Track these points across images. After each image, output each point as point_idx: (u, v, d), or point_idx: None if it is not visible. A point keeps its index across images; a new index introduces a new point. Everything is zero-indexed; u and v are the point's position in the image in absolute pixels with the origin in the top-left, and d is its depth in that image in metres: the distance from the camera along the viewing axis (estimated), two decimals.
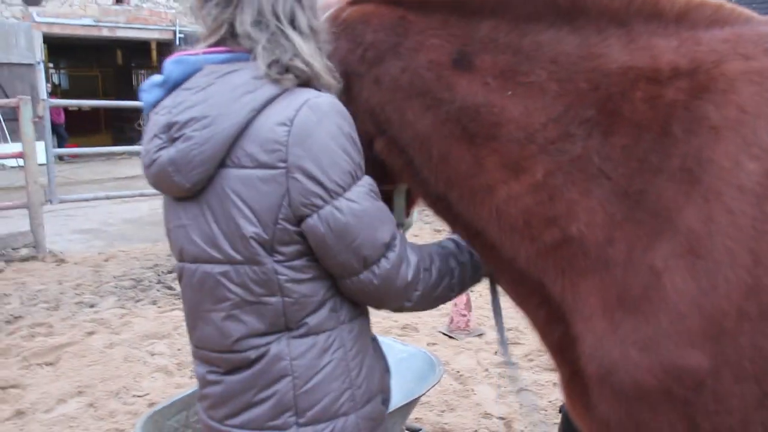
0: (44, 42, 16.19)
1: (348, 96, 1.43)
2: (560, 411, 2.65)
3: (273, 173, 1.27)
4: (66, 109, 17.02)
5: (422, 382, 2.69)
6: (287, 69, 1.29)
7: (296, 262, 1.33)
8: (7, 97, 13.19)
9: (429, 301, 1.47)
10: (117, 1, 17.33)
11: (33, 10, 15.89)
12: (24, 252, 6.71)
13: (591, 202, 1.26)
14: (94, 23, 16.89)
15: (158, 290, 5.74)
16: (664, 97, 1.24)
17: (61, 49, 20.10)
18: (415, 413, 3.45)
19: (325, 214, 1.28)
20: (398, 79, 1.41)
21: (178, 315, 5.14)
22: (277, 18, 1.31)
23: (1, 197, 9.71)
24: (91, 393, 3.82)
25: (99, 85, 23.90)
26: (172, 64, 1.37)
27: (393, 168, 1.51)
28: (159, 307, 5.36)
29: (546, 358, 4.18)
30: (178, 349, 4.46)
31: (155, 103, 1.39)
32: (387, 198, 1.53)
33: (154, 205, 10.03)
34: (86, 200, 8.50)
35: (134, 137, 20.67)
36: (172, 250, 1.46)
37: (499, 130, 1.33)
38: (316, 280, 1.36)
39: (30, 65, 15.29)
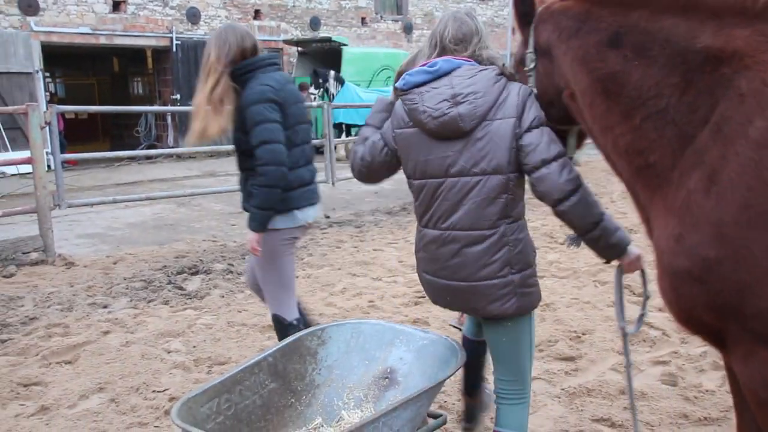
0: (41, 51, 16.21)
1: (550, 61, 2.21)
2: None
3: (513, 121, 2.30)
4: (63, 117, 17.03)
5: (444, 366, 2.76)
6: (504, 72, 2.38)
7: (517, 174, 2.33)
8: (6, 105, 13.22)
9: (580, 212, 2.27)
10: (114, 9, 17.37)
11: (31, 19, 15.92)
12: (34, 256, 6.76)
13: (663, 141, 1.85)
14: (91, 31, 16.94)
15: (169, 290, 5.80)
16: (720, 71, 1.75)
17: (56, 57, 20.10)
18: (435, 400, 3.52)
19: (526, 136, 2.30)
20: (576, 51, 2.07)
21: (191, 314, 5.22)
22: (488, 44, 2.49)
23: (5, 205, 9.76)
24: (111, 389, 3.89)
25: (95, 93, 23.92)
26: (443, 62, 2.38)
27: (573, 111, 2.21)
28: (171, 306, 5.42)
29: (555, 348, 4.29)
30: (194, 347, 4.54)
31: (419, 84, 2.39)
32: (564, 136, 2.38)
33: (157, 209, 10.11)
34: (95, 204, 8.56)
35: (133, 144, 20.55)
36: (417, 172, 2.47)
37: (623, 89, 1.93)
38: (522, 185, 2.38)
39: (29, 74, 15.29)
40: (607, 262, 2.47)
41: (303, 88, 16.85)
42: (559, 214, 2.32)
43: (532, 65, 2.28)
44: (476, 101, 2.29)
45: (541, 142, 2.27)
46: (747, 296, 1.65)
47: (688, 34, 1.81)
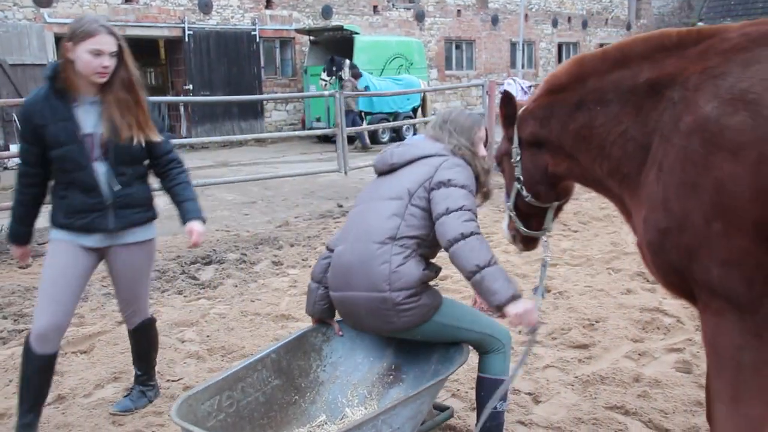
0: (54, 42, 16.27)
1: (538, 147, 2.66)
2: None
3: (427, 169, 2.81)
4: None
5: (448, 364, 2.75)
6: (455, 149, 2.94)
7: (415, 210, 2.75)
8: (21, 97, 13.30)
9: (465, 256, 2.53)
10: (126, 0, 17.40)
11: (44, 11, 15.98)
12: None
13: (628, 154, 2.30)
14: None
15: (183, 280, 5.83)
16: (661, 92, 2.20)
17: None
18: (444, 388, 3.52)
19: (440, 191, 2.72)
20: (554, 127, 2.56)
21: (204, 304, 5.25)
22: (460, 143, 2.97)
23: None
24: (126, 378, 3.92)
25: None
26: (419, 137, 3.20)
27: (572, 173, 2.63)
28: (185, 296, 5.45)
29: (569, 336, 4.27)
30: (207, 336, 4.56)
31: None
32: (543, 213, 2.84)
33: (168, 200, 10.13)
34: None
35: None
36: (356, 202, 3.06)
37: (592, 131, 2.41)
38: (424, 220, 2.73)
39: (42, 66, 15.38)
40: (500, 315, 2.56)
41: (356, 76, 16.79)
42: (449, 256, 2.58)
43: (518, 157, 2.72)
44: (409, 150, 2.92)
45: (449, 196, 2.66)
46: (694, 258, 2.02)
47: (631, 77, 2.29)
